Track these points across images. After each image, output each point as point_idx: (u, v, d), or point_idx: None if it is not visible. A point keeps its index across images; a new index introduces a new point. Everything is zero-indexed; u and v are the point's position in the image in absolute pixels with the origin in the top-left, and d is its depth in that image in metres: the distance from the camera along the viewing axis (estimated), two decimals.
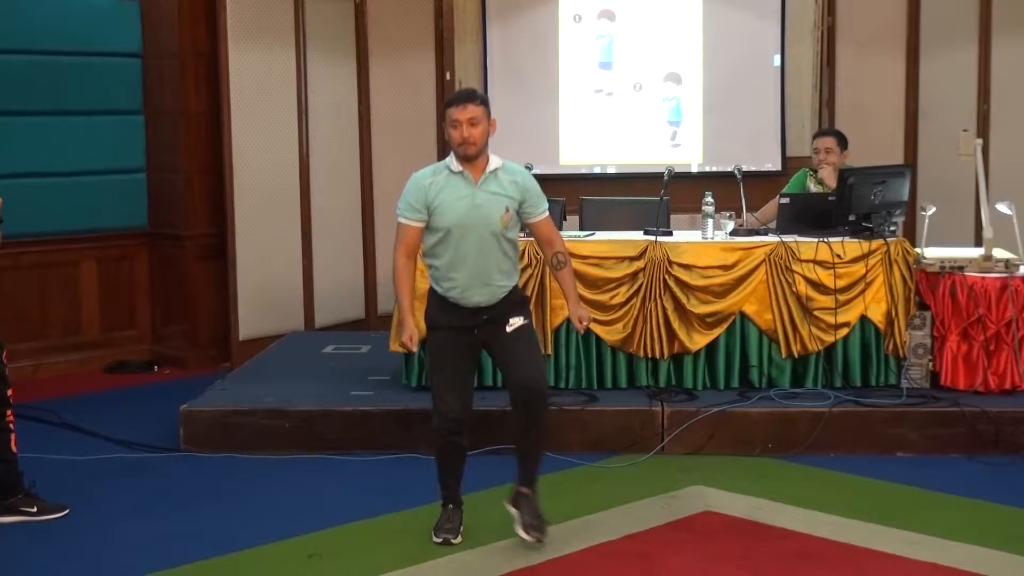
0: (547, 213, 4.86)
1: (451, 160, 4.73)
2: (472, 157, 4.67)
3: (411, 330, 4.73)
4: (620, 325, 6.32)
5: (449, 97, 4.84)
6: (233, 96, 8.02)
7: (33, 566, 4.68)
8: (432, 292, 4.82)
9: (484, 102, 4.73)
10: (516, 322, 4.75)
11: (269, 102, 8.28)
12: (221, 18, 7.94)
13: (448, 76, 9.37)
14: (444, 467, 4.90)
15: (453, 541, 4.81)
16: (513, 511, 4.83)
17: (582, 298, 6.14)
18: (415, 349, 4.84)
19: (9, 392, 5.14)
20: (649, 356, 6.34)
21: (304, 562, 4.67)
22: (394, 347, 6.41)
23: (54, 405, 6.92)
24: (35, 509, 5.15)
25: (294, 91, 8.44)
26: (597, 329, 6.32)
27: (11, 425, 5.15)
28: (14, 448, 5.18)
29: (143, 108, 8.47)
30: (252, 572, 4.61)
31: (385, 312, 8.41)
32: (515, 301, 4.82)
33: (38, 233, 7.91)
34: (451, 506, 4.90)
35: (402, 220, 4.76)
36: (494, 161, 4.74)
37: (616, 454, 5.96)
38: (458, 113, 4.65)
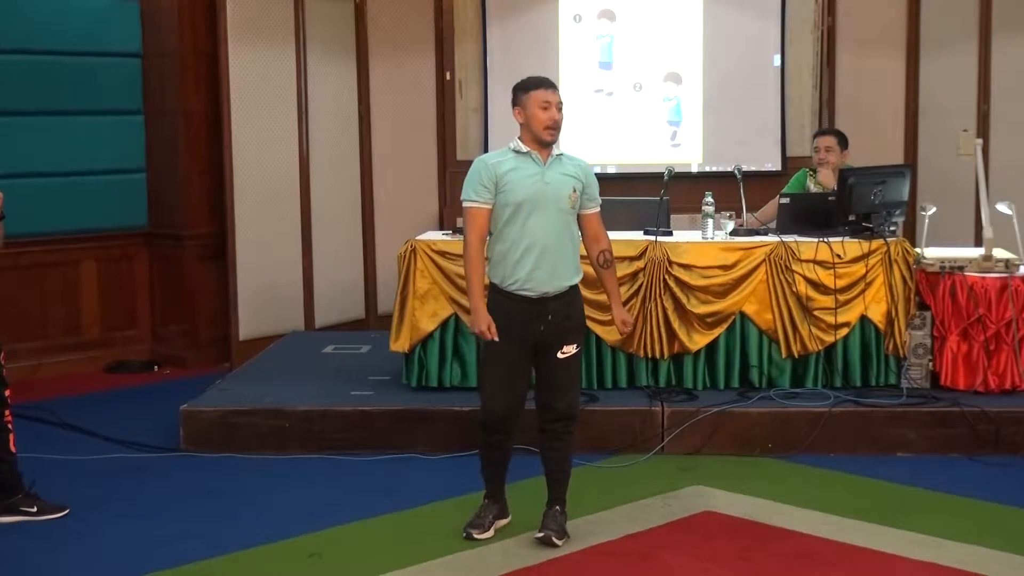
0: (599, 210, 4.88)
1: (516, 143, 4.78)
2: (551, 143, 4.74)
3: (487, 318, 4.67)
4: None
5: (529, 80, 4.81)
6: (233, 96, 8.01)
7: (33, 566, 4.68)
8: (494, 289, 4.78)
9: None
10: (570, 350, 4.76)
11: (269, 102, 8.27)
12: (221, 18, 7.94)
13: (448, 76, 9.37)
14: (484, 464, 4.94)
15: (476, 536, 4.81)
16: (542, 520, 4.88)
17: (583, 299, 6.16)
18: (496, 336, 4.68)
19: (8, 393, 5.14)
20: (649, 356, 6.35)
21: (304, 562, 4.67)
22: (394, 347, 6.42)
23: (54, 405, 6.92)
24: (35, 509, 5.15)
25: (294, 91, 8.44)
26: (597, 329, 6.32)
27: (10, 425, 5.15)
28: (13, 448, 5.18)
29: (143, 108, 8.47)
30: (252, 572, 4.61)
31: (385, 312, 8.40)
32: (577, 315, 4.80)
33: (38, 233, 7.91)
34: (486, 500, 4.92)
35: (471, 205, 4.73)
36: (556, 149, 4.80)
37: (616, 454, 5.96)
38: (551, 96, 4.73)
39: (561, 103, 4.75)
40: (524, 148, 4.75)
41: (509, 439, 4.85)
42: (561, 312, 4.73)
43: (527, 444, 5.10)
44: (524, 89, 4.77)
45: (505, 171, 4.72)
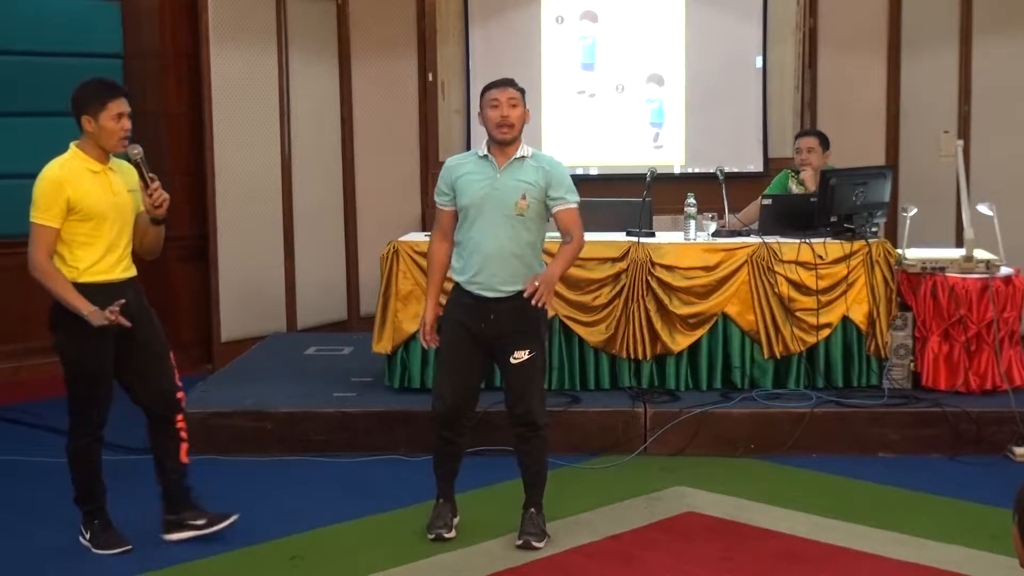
0: (573, 207, 4.78)
1: (482, 146, 4.80)
2: (508, 141, 4.71)
3: (428, 318, 4.83)
4: (603, 326, 6.32)
5: (488, 83, 4.85)
6: (215, 97, 7.99)
7: (15, 570, 4.65)
8: (453, 287, 4.86)
9: (522, 91, 4.80)
10: (522, 355, 4.73)
11: (251, 103, 8.25)
12: (203, 19, 7.91)
13: (431, 77, 9.37)
14: (435, 460, 4.95)
15: (446, 536, 4.82)
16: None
17: (566, 300, 6.17)
18: (432, 343, 4.82)
19: None
20: (632, 357, 6.35)
21: (287, 564, 4.66)
22: (377, 348, 6.41)
23: (36, 407, 6.87)
24: (203, 521, 4.91)
25: (276, 92, 8.43)
26: (580, 330, 6.32)
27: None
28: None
29: None
30: (234, 575, 4.59)
31: (368, 313, 8.38)
32: (529, 322, 4.73)
33: (19, 234, 7.81)
34: (441, 500, 4.92)
35: (437, 205, 4.87)
36: (524, 150, 4.77)
37: (599, 455, 5.96)
38: (499, 93, 4.73)
39: (514, 99, 4.72)
40: (483, 151, 4.78)
41: (458, 436, 4.86)
42: (507, 316, 4.71)
43: (505, 445, 5.09)
44: (481, 96, 4.83)
45: (460, 174, 4.76)
